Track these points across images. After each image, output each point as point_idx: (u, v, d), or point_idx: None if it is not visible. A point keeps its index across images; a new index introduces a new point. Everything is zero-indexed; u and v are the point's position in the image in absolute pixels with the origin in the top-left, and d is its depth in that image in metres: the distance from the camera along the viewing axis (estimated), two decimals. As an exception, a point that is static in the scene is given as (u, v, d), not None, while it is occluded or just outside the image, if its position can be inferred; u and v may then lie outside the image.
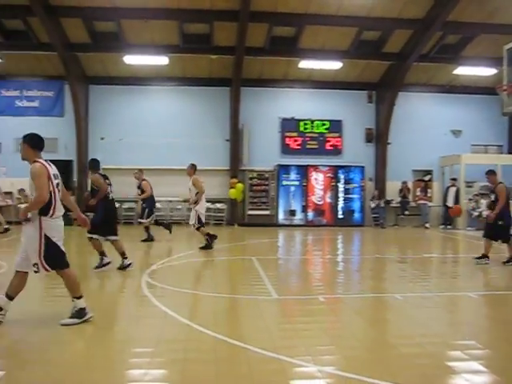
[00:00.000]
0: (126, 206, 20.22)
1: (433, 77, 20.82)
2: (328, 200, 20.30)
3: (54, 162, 19.36)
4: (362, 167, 20.54)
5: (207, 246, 12.67)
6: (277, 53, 18.87)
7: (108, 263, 9.77)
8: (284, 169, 20.17)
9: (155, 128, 20.33)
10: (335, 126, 20.98)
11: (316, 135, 20.90)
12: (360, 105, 21.28)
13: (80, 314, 5.83)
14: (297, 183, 20.17)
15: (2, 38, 18.01)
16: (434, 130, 21.11)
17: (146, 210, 14.68)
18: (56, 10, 16.67)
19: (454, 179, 19.61)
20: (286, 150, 20.81)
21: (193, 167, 13.63)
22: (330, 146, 20.99)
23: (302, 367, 4.57)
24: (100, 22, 17.84)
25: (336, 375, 4.38)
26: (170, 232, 15.10)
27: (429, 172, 21.47)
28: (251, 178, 20.15)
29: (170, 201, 20.41)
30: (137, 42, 18.29)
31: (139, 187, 14.92)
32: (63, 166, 20.44)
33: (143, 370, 4.46)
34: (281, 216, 20.17)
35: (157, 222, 15.17)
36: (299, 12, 17.14)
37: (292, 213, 20.16)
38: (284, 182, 20.15)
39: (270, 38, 18.14)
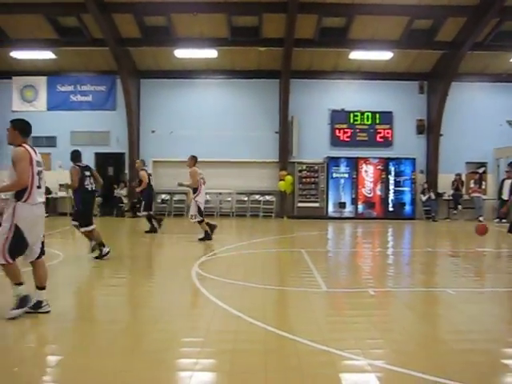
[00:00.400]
0: (176, 198, 20.48)
1: (488, 66, 20.20)
2: (378, 193, 20.05)
3: (106, 154, 20.04)
4: (413, 159, 20.16)
5: (206, 237, 12.87)
6: (326, 44, 18.71)
7: (108, 252, 10.12)
8: (334, 161, 20.03)
9: (205, 121, 20.52)
10: (385, 117, 20.66)
11: (366, 127, 20.64)
12: (411, 96, 20.87)
13: (23, 302, 5.75)
14: (346, 175, 20.00)
15: (57, 35, 18.50)
16: (489, 120, 20.52)
17: (143, 203, 14.68)
18: (108, 6, 17.02)
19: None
20: (335, 141, 20.65)
21: (193, 159, 13.65)
22: (381, 137, 20.70)
23: (351, 360, 4.54)
24: (150, 16, 18.09)
25: (386, 369, 4.33)
26: (157, 230, 14.84)
27: (483, 164, 20.88)
28: (300, 171, 20.09)
29: (220, 193, 20.58)
30: (186, 35, 18.47)
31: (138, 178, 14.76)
32: (115, 159, 21.03)
33: (193, 359, 4.52)
34: (330, 208, 20.06)
35: (149, 216, 14.83)
36: (349, 2, 16.95)
37: (342, 205, 20.01)
38: (334, 175, 20.01)
39: (320, 29, 17.99)
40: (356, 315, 6.07)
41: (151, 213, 14.74)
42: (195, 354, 4.64)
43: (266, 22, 17.78)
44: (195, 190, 13.03)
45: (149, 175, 14.88)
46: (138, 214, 15.02)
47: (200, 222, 12.92)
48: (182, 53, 18.85)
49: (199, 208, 12.85)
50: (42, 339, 5.12)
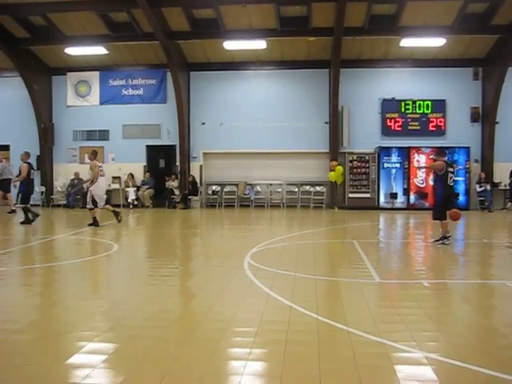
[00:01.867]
0: (227, 189, 20.63)
1: (547, 49, 19.42)
2: (431, 183, 19.60)
3: (157, 147, 20.50)
4: (468, 148, 19.63)
5: (93, 224, 13.94)
6: (376, 32, 18.37)
7: None
8: (385, 151, 19.72)
9: (254, 112, 20.54)
10: (438, 105, 20.16)
11: (418, 116, 20.21)
12: (465, 82, 20.27)
13: None
14: (398, 165, 19.66)
15: (109, 31, 18.84)
16: (548, 106, 19.76)
17: (20, 195, 15.10)
18: (158, 0, 17.18)
19: None
20: (386, 131, 20.31)
21: (93, 153, 14.79)
22: (433, 126, 20.23)
23: (406, 352, 4.46)
24: (199, 9, 18.18)
25: (442, 362, 4.24)
26: (31, 222, 14.73)
27: (542, 152, 20.15)
28: (351, 161, 19.87)
29: (270, 184, 20.60)
30: (235, 27, 18.49)
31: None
32: (166, 151, 21.34)
33: (247, 349, 4.54)
34: (382, 199, 19.78)
35: (26, 209, 14.84)
36: (400, -12, 16.59)
37: (393, 196, 19.70)
38: (385, 165, 19.70)
39: (370, 16, 17.66)
40: (410, 307, 5.97)
41: (28, 205, 14.88)
42: (248, 344, 4.66)
43: (315, 11, 17.60)
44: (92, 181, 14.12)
45: (30, 168, 15.15)
46: (16, 205, 15.36)
47: (90, 209, 14.05)
48: (231, 44, 18.88)
49: (93, 197, 13.95)
50: (98, 328, 5.24)
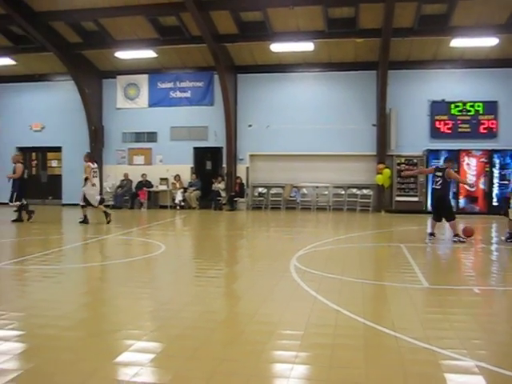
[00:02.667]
0: (273, 191, 20.64)
1: None
2: (481, 186, 19.16)
3: (204, 149, 20.85)
4: (521, 151, 19.07)
5: (84, 221, 14.97)
6: (426, 32, 18.02)
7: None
8: (434, 154, 19.32)
9: (301, 114, 20.49)
10: (490, 107, 19.64)
11: (468, 118, 19.73)
12: (519, 83, 19.71)
13: None
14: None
15: (158, 34, 19.13)
16: None
17: (15, 194, 15.41)
18: (206, 4, 17.35)
19: None
20: (435, 134, 19.92)
21: (87, 155, 15.90)
22: (484, 128, 19.72)
23: (456, 360, 4.35)
24: (247, 12, 18.28)
25: (493, 371, 4.11)
26: (23, 220, 15.60)
27: None
28: (399, 164, 19.56)
29: (317, 186, 20.51)
30: (282, 29, 18.49)
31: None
32: (213, 153, 21.52)
33: (293, 352, 4.53)
34: (430, 203, 19.38)
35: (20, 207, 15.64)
36: (451, -13, 16.26)
37: (442, 199, 19.26)
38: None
39: (419, 16, 17.36)
40: (460, 313, 5.84)
41: (24, 203, 15.63)
42: (295, 347, 4.65)
43: (363, 13, 17.42)
44: (86, 181, 15.14)
45: (25, 169, 15.92)
46: (10, 203, 15.69)
47: (82, 207, 15.14)
48: (278, 47, 18.89)
49: (85, 197, 15.05)
50: (146, 327, 5.33)
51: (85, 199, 15.01)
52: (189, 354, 4.49)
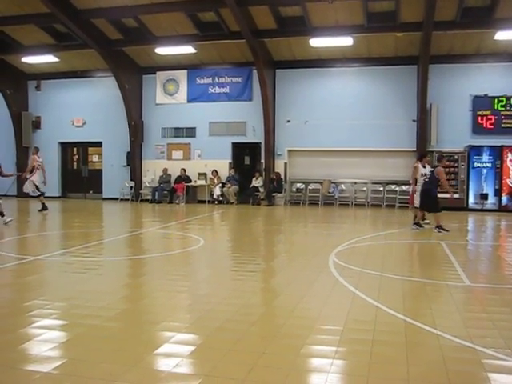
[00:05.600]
0: (311, 187, 20.56)
1: None
2: (524, 184, 18.70)
3: (242, 144, 20.96)
4: None
5: (43, 209, 16.31)
6: (469, 25, 17.59)
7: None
8: (475, 150, 18.93)
9: (340, 110, 20.34)
10: (536, 101, 19.13)
11: (512, 113, 19.27)
12: None
13: None
14: (489, 165, 18.82)
15: (197, 30, 19.24)
16: None
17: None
18: (245, -1, 17.38)
19: None
20: (477, 129, 19.50)
21: (35, 149, 17.26)
22: (529, 124, 19.23)
23: (501, 360, 4.25)
24: (286, 7, 18.22)
25: (540, 371, 4.04)
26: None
27: None
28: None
29: (355, 182, 20.34)
30: (321, 24, 18.35)
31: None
32: (251, 148, 21.56)
33: (333, 347, 4.51)
34: (471, 200, 19.03)
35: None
36: (496, -22, 15.86)
37: (484, 197, 18.90)
38: (475, 164, 18.92)
39: (462, 9, 16.97)
40: (503, 312, 5.72)
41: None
42: (334, 342, 4.63)
43: (404, 6, 17.15)
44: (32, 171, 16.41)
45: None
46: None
47: (39, 196, 16.49)
48: (317, 42, 18.76)
49: (36, 185, 16.37)
50: (186, 320, 5.39)
51: (37, 187, 16.43)
52: (228, 346, 4.53)
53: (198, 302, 6.17)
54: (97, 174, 23.45)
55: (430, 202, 12.63)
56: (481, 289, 7.08)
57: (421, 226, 13.04)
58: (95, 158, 24.00)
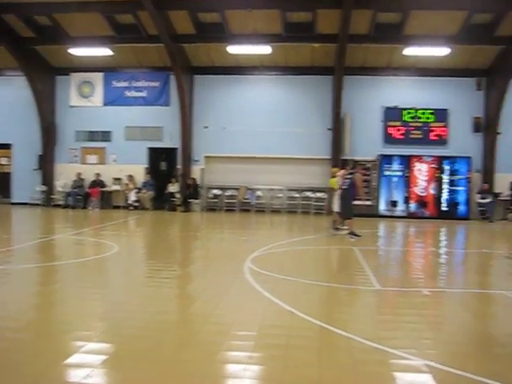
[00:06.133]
0: (228, 193, 20.60)
1: (550, 62, 19.46)
2: (431, 191, 19.64)
3: (159, 149, 20.74)
4: (469, 158, 19.61)
5: None
6: (381, 40, 18.36)
7: None
8: (386, 159, 19.72)
9: (257, 117, 20.55)
10: (440, 114, 20.16)
11: (420, 124, 20.19)
12: (468, 92, 20.27)
13: None
14: (399, 174, 19.64)
15: (114, 32, 18.86)
16: (550, 118, 19.77)
17: None
18: (164, 3, 17.20)
19: None
20: (388, 139, 20.31)
21: None
22: (435, 135, 20.22)
23: (406, 360, 4.47)
24: (205, 13, 18.21)
25: (441, 370, 4.25)
26: None
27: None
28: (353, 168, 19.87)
29: (271, 189, 20.59)
30: (240, 31, 18.50)
31: None
32: (168, 154, 21.36)
33: (247, 352, 4.55)
34: (382, 207, 19.78)
35: None
36: (405, -4, 16.63)
37: (394, 204, 19.70)
38: (386, 173, 19.69)
39: (375, 24, 17.69)
40: (410, 314, 5.99)
41: None
42: (248, 348, 4.67)
43: (320, 18, 17.63)
44: None
45: None
46: None
47: None
48: (235, 49, 18.89)
49: None
50: (97, 328, 5.26)
51: None
52: (141, 355, 4.46)
53: (111, 309, 6.04)
54: (5, 178, 22.40)
55: (346, 207, 13.07)
56: (390, 292, 7.36)
57: (340, 230, 13.58)
58: (4, 161, 22.92)
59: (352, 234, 12.70)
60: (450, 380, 4.12)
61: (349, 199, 13.14)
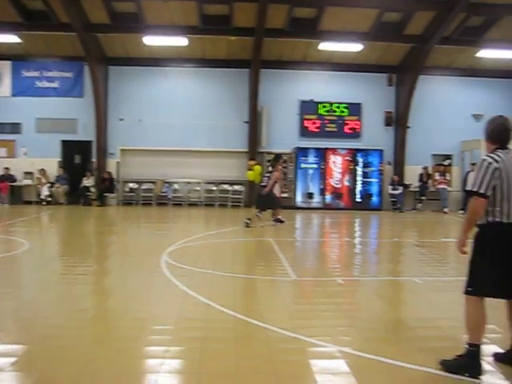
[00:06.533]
0: (144, 186, 20.29)
1: (455, 60, 20.48)
2: (346, 183, 20.22)
3: (73, 142, 19.99)
4: (381, 151, 20.36)
5: None
6: (297, 34, 18.67)
7: None
8: (302, 151, 20.08)
9: (174, 109, 20.35)
10: (354, 108, 20.79)
11: (335, 118, 20.73)
12: (380, 88, 21.03)
13: None
14: (315, 166, 20.08)
15: (22, 19, 17.99)
16: (455, 113, 20.82)
17: None
18: (76, -11, 16.67)
19: (474, 164, 19.36)
20: (304, 132, 20.71)
21: None
22: (349, 129, 20.83)
23: (321, 347, 4.60)
24: (120, 2, 17.76)
25: (355, 356, 4.41)
26: None
27: (448, 157, 21.24)
28: (269, 161, 20.07)
29: (188, 182, 20.47)
30: (156, 22, 18.20)
31: None
32: (82, 147, 20.72)
33: (164, 347, 4.52)
34: (298, 199, 20.15)
35: None
36: (320, -7, 16.96)
37: (310, 196, 20.11)
38: (302, 165, 20.07)
39: (291, 19, 17.95)
40: (325, 303, 6.14)
41: None
42: (165, 342, 4.64)
43: (237, 11, 17.67)
44: None
45: None
46: None
47: None
48: (151, 40, 18.56)
49: None
50: (7, 329, 5.05)
51: None
52: (54, 354, 4.32)
53: (23, 308, 5.81)
54: None
55: (269, 202, 14.08)
56: (306, 282, 7.52)
57: (281, 221, 14.20)
58: None
59: (277, 220, 14.07)
60: (362, 364, 4.27)
61: (271, 193, 14.11)
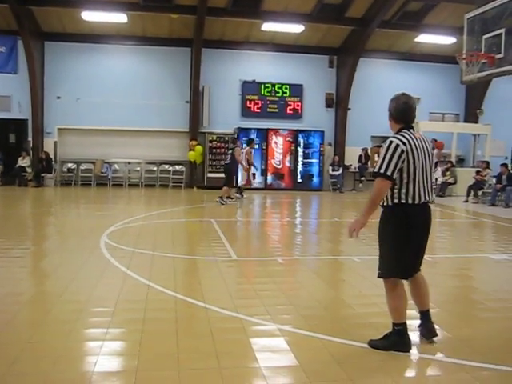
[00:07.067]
0: (83, 167, 19.86)
1: (394, 44, 20.89)
2: (287, 164, 20.40)
3: (7, 120, 19.22)
4: (322, 132, 20.62)
5: None
6: (239, 14, 18.54)
7: None
8: (244, 132, 20.08)
9: (114, 88, 19.88)
10: (296, 89, 20.93)
11: (277, 99, 20.82)
12: (321, 69, 21.24)
13: None
14: (256, 146, 20.09)
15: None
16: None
17: None
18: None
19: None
20: (246, 112, 20.71)
21: None
22: (291, 110, 20.98)
23: (261, 326, 4.66)
24: (55, -26, 17.17)
25: (294, 333, 4.49)
26: None
27: (387, 138, 21.65)
28: (211, 141, 20.05)
29: (129, 162, 20.17)
30: (95, -3, 17.67)
31: None
32: (17, 125, 20.01)
33: (103, 329, 4.46)
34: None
35: None
36: (262, -28, 16.88)
37: (252, 176, 20.14)
38: (244, 145, 20.06)
39: (233, -2, 17.82)
40: (265, 282, 6.21)
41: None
42: (105, 324, 4.58)
43: (179, -12, 17.39)
44: None
45: None
46: None
47: None
48: (89, 15, 17.97)
49: None
50: None
51: None
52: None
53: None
54: None
55: (229, 178, 15.37)
56: (246, 262, 7.59)
57: (242, 195, 16.26)
58: None
59: (221, 198, 14.62)
60: (301, 341, 4.35)
61: (231, 171, 15.46)
